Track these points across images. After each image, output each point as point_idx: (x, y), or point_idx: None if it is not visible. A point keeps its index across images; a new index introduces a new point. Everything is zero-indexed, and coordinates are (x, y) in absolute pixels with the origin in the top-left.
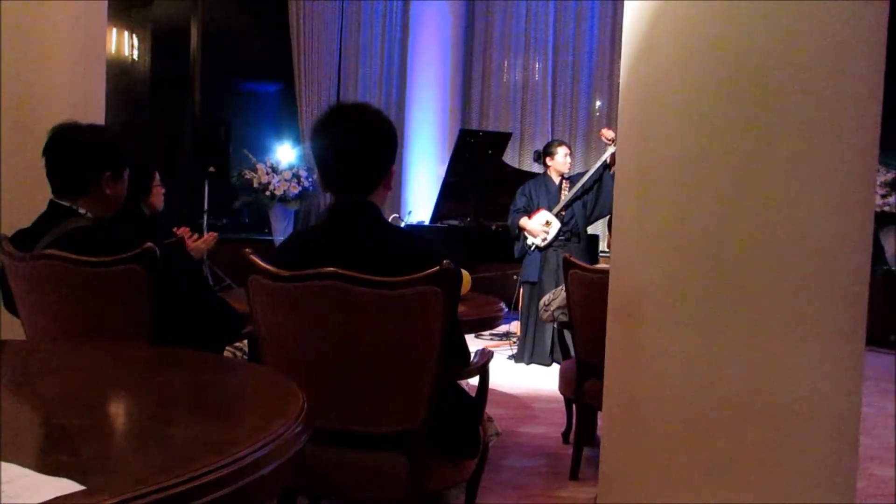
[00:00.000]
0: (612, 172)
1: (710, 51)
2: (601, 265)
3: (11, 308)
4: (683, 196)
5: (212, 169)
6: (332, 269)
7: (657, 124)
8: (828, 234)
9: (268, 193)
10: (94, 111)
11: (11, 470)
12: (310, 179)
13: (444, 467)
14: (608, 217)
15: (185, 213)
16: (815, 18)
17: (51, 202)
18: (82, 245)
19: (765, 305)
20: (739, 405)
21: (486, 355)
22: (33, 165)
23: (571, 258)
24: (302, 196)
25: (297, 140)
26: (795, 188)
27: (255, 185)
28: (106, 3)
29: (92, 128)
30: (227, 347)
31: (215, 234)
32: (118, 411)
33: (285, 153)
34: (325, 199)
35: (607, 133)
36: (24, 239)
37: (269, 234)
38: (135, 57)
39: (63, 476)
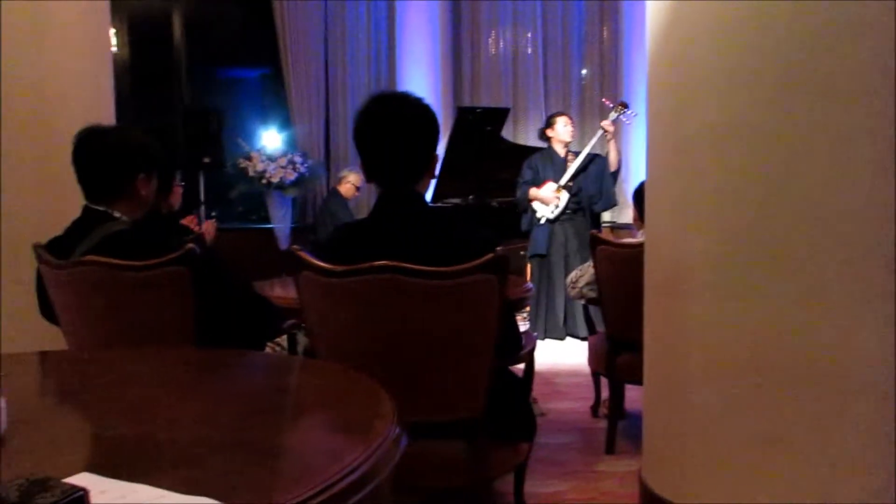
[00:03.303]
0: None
1: (745, 14)
2: (629, 240)
3: (47, 315)
4: (722, 167)
5: (206, 160)
6: (385, 262)
7: (692, 93)
8: (866, 200)
9: (264, 181)
10: (105, 112)
11: (146, 491)
12: (305, 165)
13: (502, 452)
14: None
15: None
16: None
17: (85, 207)
18: (122, 249)
19: (807, 273)
20: (786, 373)
21: (532, 340)
22: (51, 169)
23: (599, 234)
24: (299, 182)
25: (287, 124)
26: (841, 156)
27: (251, 173)
28: (108, 1)
29: (120, 129)
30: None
31: (214, 221)
32: (214, 421)
33: (272, 139)
34: (323, 185)
35: (608, 126)
36: (59, 246)
37: (268, 222)
38: (113, 50)
39: (200, 495)
